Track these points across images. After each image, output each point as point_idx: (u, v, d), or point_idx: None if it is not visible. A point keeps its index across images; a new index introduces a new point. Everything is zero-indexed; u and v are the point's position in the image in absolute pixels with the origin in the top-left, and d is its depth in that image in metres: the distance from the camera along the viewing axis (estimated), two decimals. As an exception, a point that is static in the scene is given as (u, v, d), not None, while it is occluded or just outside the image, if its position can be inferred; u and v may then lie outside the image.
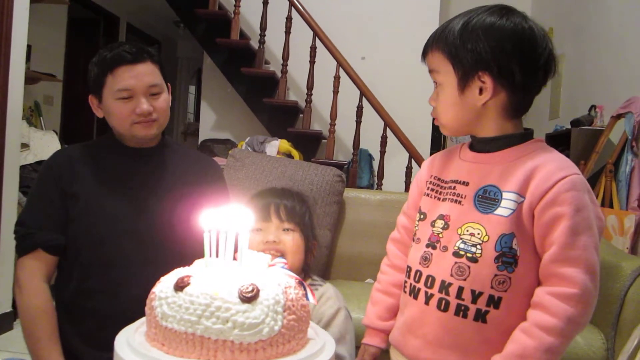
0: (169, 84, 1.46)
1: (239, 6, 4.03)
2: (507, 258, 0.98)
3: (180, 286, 0.74)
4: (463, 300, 1.00)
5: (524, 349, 0.94)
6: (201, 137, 4.78)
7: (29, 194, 1.42)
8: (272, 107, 4.09)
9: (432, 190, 1.13)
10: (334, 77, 3.86)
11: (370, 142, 4.13)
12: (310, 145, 4.12)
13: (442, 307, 1.02)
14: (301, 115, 4.13)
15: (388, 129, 3.80)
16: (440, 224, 1.07)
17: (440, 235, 1.06)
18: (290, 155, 3.86)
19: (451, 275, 1.01)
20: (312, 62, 3.94)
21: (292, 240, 1.21)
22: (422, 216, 1.12)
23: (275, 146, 3.83)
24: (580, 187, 0.97)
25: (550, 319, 0.93)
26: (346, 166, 4.00)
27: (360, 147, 4.08)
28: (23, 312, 1.33)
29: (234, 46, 4.08)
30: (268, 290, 0.73)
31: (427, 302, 1.04)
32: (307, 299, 0.80)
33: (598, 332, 1.85)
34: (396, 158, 4.15)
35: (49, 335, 1.31)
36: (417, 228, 1.13)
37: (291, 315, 0.74)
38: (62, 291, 1.40)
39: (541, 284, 0.99)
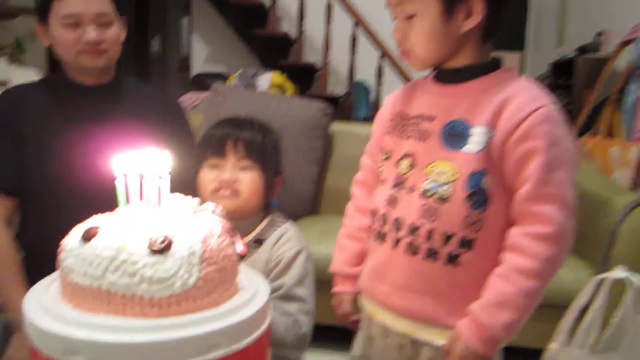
0: (125, 18, 1.36)
1: None
2: (478, 197, 0.92)
3: (86, 237, 0.67)
4: (433, 243, 0.94)
5: (502, 295, 0.89)
6: (194, 71, 4.64)
7: None
8: (264, 38, 3.93)
9: (396, 127, 1.05)
10: (327, 6, 3.67)
11: (366, 74, 3.97)
12: (304, 78, 3.97)
13: (411, 251, 0.96)
14: (294, 47, 3.97)
15: (384, 60, 3.64)
16: (405, 163, 0.99)
17: (406, 176, 0.99)
18: (283, 89, 3.74)
19: (419, 217, 0.95)
20: (303, -11, 3.74)
21: (249, 178, 1.11)
22: (386, 156, 1.05)
23: (268, 79, 3.69)
24: (555, 118, 0.90)
25: (527, 262, 0.88)
26: (342, 99, 3.88)
27: (357, 79, 3.95)
28: None
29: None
30: (183, 240, 0.67)
31: (394, 247, 0.98)
32: (236, 248, 0.74)
33: (587, 266, 1.81)
34: (393, 90, 4.00)
35: (11, 280, 1.27)
36: (381, 169, 1.06)
37: (210, 266, 0.68)
38: (22, 238, 1.35)
39: (515, 223, 0.92)
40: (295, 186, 2.24)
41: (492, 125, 0.91)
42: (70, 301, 0.67)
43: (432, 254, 0.95)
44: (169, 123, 1.42)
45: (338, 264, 1.14)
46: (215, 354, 0.64)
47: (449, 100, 0.97)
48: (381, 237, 1.01)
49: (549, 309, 1.13)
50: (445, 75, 1.00)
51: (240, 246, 0.74)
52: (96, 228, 0.68)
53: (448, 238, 0.93)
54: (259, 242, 1.14)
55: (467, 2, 0.91)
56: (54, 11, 1.25)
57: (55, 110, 1.32)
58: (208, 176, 1.12)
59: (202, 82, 4.40)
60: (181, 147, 1.41)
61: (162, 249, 0.65)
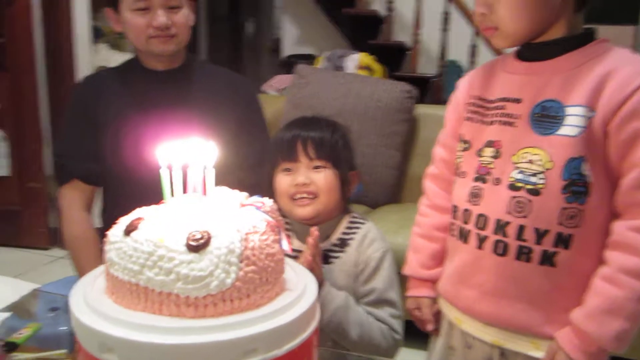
0: (193, 1, 1.35)
1: None
2: (577, 187, 0.82)
3: (128, 230, 0.66)
4: (525, 241, 0.85)
5: (612, 301, 0.78)
6: (284, 53, 4.65)
7: (63, 124, 1.41)
8: (352, 18, 3.84)
9: (475, 112, 0.94)
10: (418, -19, 3.52)
11: (459, 53, 3.77)
12: (393, 58, 3.84)
13: (499, 251, 0.87)
14: (384, 25, 3.85)
15: (478, 37, 3.43)
16: (489, 152, 0.90)
17: (491, 166, 0.89)
18: (371, 69, 3.65)
19: (508, 212, 0.85)
20: (394, -34, 3.59)
21: (324, 179, 1.07)
22: (465, 145, 0.95)
23: (355, 60, 3.61)
24: None
25: (637, 261, 0.77)
26: (432, 79, 3.72)
27: (449, 58, 3.75)
28: (66, 241, 1.36)
29: (310, -47, 3.82)
30: (222, 237, 0.63)
31: (480, 246, 0.89)
32: (282, 246, 0.69)
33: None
34: (489, 69, 3.78)
35: (92, 262, 1.32)
36: (460, 160, 0.96)
37: (250, 266, 0.63)
38: (103, 219, 1.41)
39: (619, 216, 0.81)
40: (376, 172, 2.17)
41: (591, 104, 0.80)
42: (111, 295, 0.66)
43: (524, 254, 0.85)
44: (240, 106, 1.41)
45: (413, 267, 1.07)
46: (252, 360, 0.60)
47: (538, 78, 0.86)
48: (464, 235, 0.92)
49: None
50: (530, 51, 0.89)
51: (285, 244, 0.70)
52: (139, 220, 0.66)
53: (542, 235, 0.83)
54: (343, 243, 1.11)
55: None
56: None
57: (128, 97, 1.35)
58: (284, 182, 1.09)
59: (292, 64, 4.41)
60: (253, 130, 1.40)
61: (200, 245, 0.62)
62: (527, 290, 0.86)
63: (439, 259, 1.02)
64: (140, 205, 1.17)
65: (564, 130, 0.82)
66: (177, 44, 1.31)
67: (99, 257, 1.32)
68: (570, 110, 0.82)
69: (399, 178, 2.23)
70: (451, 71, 3.94)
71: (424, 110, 2.33)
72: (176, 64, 1.36)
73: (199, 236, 0.62)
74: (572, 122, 0.81)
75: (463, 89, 1.00)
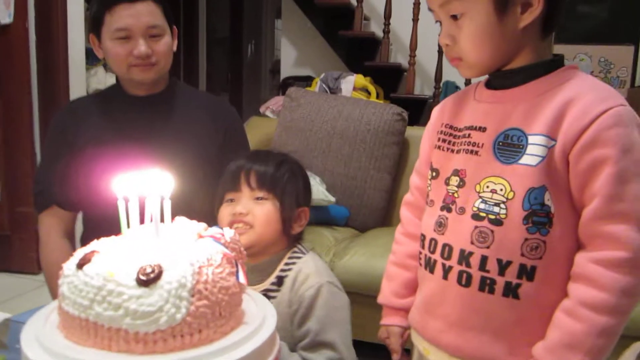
0: (175, 27, 1.36)
1: None
2: (538, 217, 0.80)
3: (81, 263, 0.65)
4: (488, 272, 0.83)
5: (571, 335, 0.77)
6: (283, 75, 4.69)
7: (42, 151, 1.41)
8: (349, 40, 3.87)
9: (444, 141, 0.94)
10: (413, 4, 3.54)
11: (455, 74, 3.78)
12: (390, 79, 3.86)
13: (463, 282, 0.85)
14: (381, 47, 3.87)
15: (474, 58, 3.44)
16: (455, 181, 0.89)
17: (456, 195, 0.88)
18: (367, 91, 3.66)
19: (471, 242, 0.84)
20: (389, -12, 3.63)
21: (262, 210, 1.05)
22: (434, 173, 0.94)
23: (351, 82, 3.63)
24: (627, 121, 0.76)
25: (598, 294, 0.75)
26: (429, 100, 3.73)
27: (447, 79, 3.76)
28: (43, 268, 1.35)
29: (307, -23, 3.86)
30: (174, 270, 0.62)
31: (445, 276, 0.88)
32: (238, 278, 0.68)
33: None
34: (485, 90, 3.78)
35: None
36: (429, 188, 0.95)
37: (202, 300, 0.62)
38: (83, 245, 1.40)
39: (582, 247, 0.80)
40: (366, 195, 2.16)
41: (552, 133, 0.79)
42: (63, 330, 0.65)
43: (487, 285, 0.83)
44: (222, 130, 1.40)
45: (386, 295, 1.05)
46: (201, 398, 0.59)
47: (503, 107, 0.85)
48: (430, 265, 0.91)
49: (629, 340, 0.98)
50: (497, 79, 0.88)
51: (242, 277, 0.68)
52: (92, 254, 0.65)
53: (505, 266, 0.82)
54: (280, 281, 1.06)
55: None
56: (106, 24, 1.27)
57: (108, 123, 1.35)
58: (225, 211, 1.08)
59: (290, 85, 4.43)
60: (234, 154, 1.39)
61: (151, 279, 0.61)
62: (491, 323, 0.84)
63: (412, 287, 1.01)
64: (117, 227, 1.16)
65: (525, 160, 0.80)
66: (158, 71, 1.32)
67: None
68: (532, 139, 0.80)
69: (388, 201, 2.21)
70: (450, 91, 3.96)
71: (415, 132, 2.32)
72: (158, 90, 1.37)
73: (149, 270, 0.61)
74: (533, 151, 0.80)
75: (435, 117, 1.00)
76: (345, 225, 2.17)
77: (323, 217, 2.09)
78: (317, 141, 2.24)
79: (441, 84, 3.62)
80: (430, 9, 0.88)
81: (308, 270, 1.05)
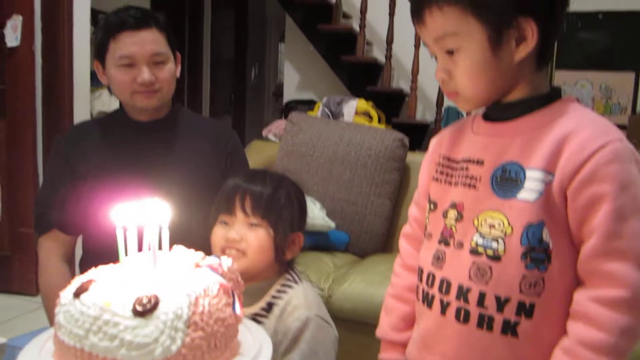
0: (178, 53, 1.37)
1: (314, -41, 3.84)
2: (537, 253, 0.79)
3: (78, 292, 0.65)
4: (486, 308, 0.81)
5: None
6: (285, 98, 4.73)
7: (44, 174, 1.42)
8: (351, 65, 3.91)
9: (442, 173, 0.93)
10: (416, 30, 3.58)
11: (457, 99, 3.81)
12: (392, 104, 3.89)
13: (461, 318, 0.83)
14: (383, 72, 3.90)
15: (475, 85, 3.47)
16: (452, 214, 0.88)
17: (454, 229, 0.87)
18: (369, 116, 3.68)
19: (469, 278, 0.83)
20: (391, 14, 3.67)
21: (256, 238, 1.03)
22: (432, 206, 0.93)
23: (353, 106, 3.66)
24: (625, 156, 0.76)
25: (597, 334, 0.74)
26: (431, 126, 3.75)
27: (448, 105, 3.79)
28: (41, 292, 1.35)
29: (310, 2, 3.91)
30: (170, 301, 0.62)
31: (443, 312, 0.86)
32: (234, 309, 0.68)
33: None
34: (486, 115, 3.80)
35: None
36: (427, 221, 0.94)
37: (197, 331, 0.62)
38: (81, 271, 1.40)
39: (582, 284, 0.78)
40: (366, 221, 2.16)
41: (550, 168, 0.78)
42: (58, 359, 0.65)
43: (486, 322, 0.81)
44: (224, 156, 1.41)
45: (384, 329, 1.03)
46: None
47: (500, 140, 0.85)
48: (428, 300, 0.89)
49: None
50: (494, 112, 0.87)
51: (238, 308, 0.69)
52: (89, 283, 0.66)
53: (503, 303, 0.80)
54: (269, 308, 1.05)
55: (517, 25, 0.79)
56: (110, 51, 1.28)
57: (111, 148, 1.35)
58: (218, 234, 1.06)
59: (292, 109, 4.47)
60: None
61: (147, 310, 0.61)
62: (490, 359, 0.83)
63: (411, 321, 0.99)
64: (116, 255, 1.15)
65: (523, 195, 0.79)
66: (161, 98, 1.32)
67: None
68: (530, 174, 0.80)
69: (388, 227, 2.21)
70: (452, 117, 3.98)
71: (416, 158, 2.32)
72: (161, 115, 1.38)
73: (146, 301, 0.62)
74: (531, 186, 0.79)
75: (433, 148, 0.99)
76: (345, 251, 2.16)
77: (323, 243, 2.09)
78: (318, 166, 2.25)
79: (443, 110, 3.65)
80: (424, 44, 0.88)
81: (297, 301, 1.04)
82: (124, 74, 1.28)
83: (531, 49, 0.80)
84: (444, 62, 0.85)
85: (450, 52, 0.83)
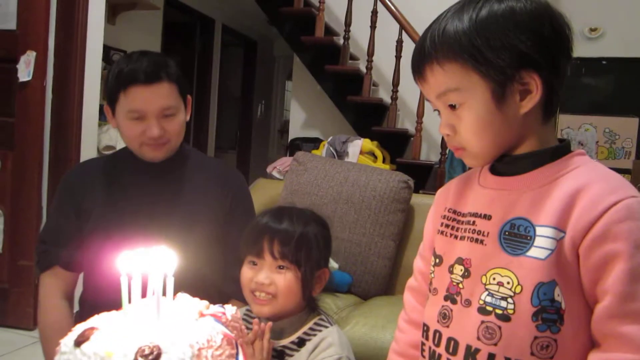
0: (189, 96, 1.38)
1: (324, 2, 3.92)
2: (548, 314, 0.76)
3: (79, 341, 0.64)
4: None
5: None
6: (291, 136, 4.76)
7: (49, 211, 1.42)
8: (357, 104, 3.95)
9: (447, 226, 0.91)
10: (421, 72, 3.63)
11: (462, 141, 3.83)
12: (396, 144, 3.91)
13: None
14: (388, 112, 3.94)
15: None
16: (459, 270, 0.85)
17: (461, 286, 0.84)
18: (374, 155, 3.70)
19: (478, 338, 0.80)
20: (398, 57, 3.74)
21: (284, 281, 1.06)
22: (437, 260, 0.91)
23: (358, 146, 3.68)
24: (638, 214, 0.73)
25: None
26: (435, 166, 3.76)
27: (452, 145, 3.82)
28: (40, 330, 1.34)
29: (318, 43, 3.99)
30: (173, 353, 0.61)
31: None
32: (237, 360, 0.67)
33: None
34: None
35: None
36: (432, 275, 0.92)
37: (199, 384, 0.61)
38: (80, 306, 1.38)
39: (596, 345, 0.76)
40: (369, 262, 2.14)
41: (561, 225, 0.76)
42: (56, 410, 0.64)
43: None
44: (229, 197, 1.41)
45: None
46: None
47: (508, 194, 0.83)
48: (434, 359, 0.86)
49: None
50: (502, 165, 0.86)
51: (241, 359, 0.67)
52: (91, 331, 0.65)
53: None
54: (301, 343, 1.08)
55: (521, 79, 0.78)
56: (121, 102, 1.28)
57: (117, 187, 1.36)
58: (247, 275, 1.09)
59: (297, 146, 4.49)
60: (241, 222, 1.39)
61: (148, 362, 0.60)
62: None
63: None
64: (115, 296, 1.14)
65: (533, 252, 0.77)
66: (168, 149, 1.32)
67: None
68: (540, 231, 0.77)
69: (392, 269, 2.19)
70: (456, 158, 4.00)
71: (420, 200, 2.32)
72: (169, 155, 1.37)
73: (148, 351, 0.60)
74: (542, 243, 0.77)
75: (439, 200, 0.97)
76: (348, 292, 2.14)
77: (326, 283, 2.07)
78: (322, 206, 2.25)
79: (447, 151, 3.66)
80: (427, 99, 0.87)
81: (332, 340, 1.07)
82: (134, 126, 1.27)
83: (536, 102, 0.79)
84: (447, 118, 0.84)
85: (453, 107, 0.82)
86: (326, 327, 1.10)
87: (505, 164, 0.85)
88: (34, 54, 2.48)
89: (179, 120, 1.32)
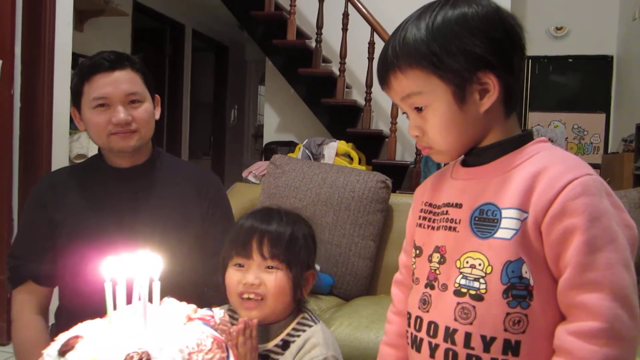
0: (157, 95, 1.36)
1: (295, 6, 3.92)
2: (518, 290, 0.80)
3: (63, 350, 0.62)
4: (473, 349, 0.81)
5: None
6: (265, 140, 4.75)
7: (19, 225, 1.38)
8: (331, 107, 3.96)
9: (424, 218, 0.96)
10: (394, 73, 3.66)
11: (436, 140, 3.87)
12: (372, 145, 3.94)
13: None
14: (363, 114, 3.96)
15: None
16: (436, 257, 0.90)
17: (438, 272, 0.88)
18: (350, 157, 3.71)
19: (455, 319, 0.83)
20: (370, 58, 3.76)
21: (274, 281, 1.03)
22: (417, 251, 0.95)
23: (334, 148, 3.69)
24: (594, 190, 0.77)
25: None
26: (411, 166, 3.79)
27: (427, 145, 3.86)
28: (14, 346, 1.30)
29: (291, 47, 3.99)
30: (162, 357, 0.60)
31: (432, 355, 0.86)
32: (228, 364, 0.66)
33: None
34: (465, 156, 3.86)
35: None
36: (414, 266, 0.96)
37: (191, 390, 0.59)
38: (56, 319, 1.35)
39: (564, 318, 0.79)
40: (350, 263, 2.14)
41: (523, 206, 0.80)
42: (41, 422, 0.61)
43: None
44: (206, 201, 1.39)
45: None
46: None
47: (477, 183, 0.88)
48: (417, 344, 0.89)
49: None
50: (471, 157, 0.91)
51: (232, 362, 0.66)
52: (76, 340, 0.63)
53: (489, 342, 0.80)
54: (285, 345, 1.05)
55: (478, 80, 0.83)
56: (85, 94, 1.26)
57: (89, 196, 1.32)
58: (234, 278, 1.06)
59: (272, 150, 4.48)
60: (218, 226, 1.38)
61: (137, 368, 0.58)
62: None
63: None
64: (91, 305, 1.11)
65: (500, 233, 0.81)
66: (139, 139, 1.29)
67: None
68: (505, 213, 0.82)
69: (373, 269, 2.19)
70: (430, 158, 4.04)
71: (398, 199, 2.33)
72: (140, 161, 1.34)
73: (136, 358, 0.59)
74: (507, 224, 0.81)
75: (417, 196, 1.02)
76: (330, 294, 2.13)
77: (308, 286, 2.06)
78: (301, 208, 2.23)
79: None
80: (395, 102, 0.92)
81: (317, 340, 1.04)
82: (99, 115, 1.25)
83: (495, 99, 0.84)
84: (414, 120, 0.89)
85: (419, 109, 0.87)
86: (310, 325, 1.07)
87: (474, 156, 0.90)
88: (0, 62, 2.42)
89: (146, 108, 1.29)
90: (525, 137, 0.87)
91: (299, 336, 1.06)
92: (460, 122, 0.85)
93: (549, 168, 0.80)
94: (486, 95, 0.84)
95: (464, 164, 0.92)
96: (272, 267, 1.04)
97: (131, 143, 1.28)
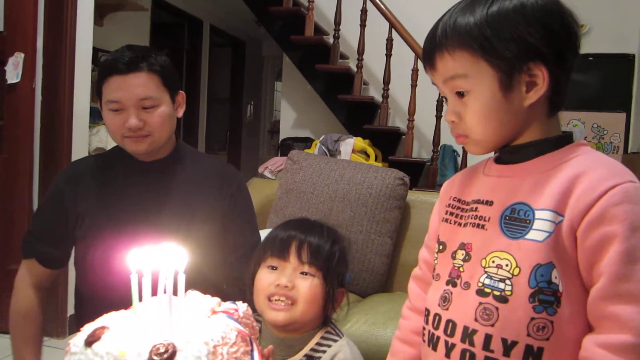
0: (181, 92, 1.36)
1: (313, 1, 3.91)
2: (545, 296, 0.76)
3: (89, 341, 0.62)
4: (492, 352, 0.79)
5: None
6: (282, 136, 4.75)
7: (38, 204, 1.42)
8: (348, 103, 3.95)
9: (452, 214, 0.93)
10: (412, 70, 3.64)
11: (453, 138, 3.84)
12: (388, 142, 3.91)
13: None
14: (380, 111, 3.94)
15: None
16: (461, 254, 0.87)
17: (461, 269, 0.85)
18: (366, 154, 3.70)
19: (475, 319, 0.81)
20: (388, 55, 3.73)
21: (308, 287, 1.00)
22: (441, 247, 0.92)
23: (350, 144, 3.68)
24: (636, 198, 0.74)
25: None
26: (427, 163, 3.76)
27: (444, 142, 3.83)
28: (10, 315, 1.36)
29: (308, 43, 3.98)
30: (188, 351, 0.60)
31: (447, 355, 0.84)
32: (252, 358, 0.66)
33: None
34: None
35: (26, 338, 1.34)
36: (436, 262, 0.93)
37: (216, 382, 0.60)
38: (78, 307, 1.38)
39: (592, 329, 0.76)
40: (367, 260, 2.14)
41: (559, 209, 0.77)
42: (68, 411, 0.62)
43: None
44: (228, 196, 1.39)
45: None
46: None
47: (510, 181, 0.84)
48: (433, 342, 0.87)
49: None
50: (506, 154, 0.87)
51: (257, 356, 0.66)
52: (102, 330, 0.63)
53: (510, 346, 0.77)
54: (310, 359, 1.03)
55: (529, 70, 0.80)
56: (103, 94, 1.27)
57: (110, 188, 1.34)
58: (265, 279, 1.03)
59: (289, 146, 4.48)
60: (239, 221, 1.38)
61: (164, 359, 0.58)
62: None
63: None
64: (113, 296, 1.11)
65: (532, 235, 0.78)
66: (151, 143, 1.29)
67: (37, 337, 1.35)
68: (538, 214, 0.78)
69: (389, 266, 2.18)
70: (447, 155, 4.01)
71: (416, 196, 2.32)
72: (162, 155, 1.35)
73: (162, 350, 0.59)
74: (540, 226, 0.78)
75: (445, 191, 0.99)
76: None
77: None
78: (318, 204, 2.24)
79: (439, 148, 3.67)
80: (434, 83, 0.88)
81: (344, 356, 1.01)
82: (114, 118, 1.26)
83: (542, 94, 0.81)
84: (454, 105, 0.85)
85: (460, 94, 0.83)
86: (335, 340, 1.04)
87: (509, 153, 0.87)
88: (22, 55, 2.44)
89: (160, 112, 1.27)
90: (564, 139, 0.84)
91: (324, 351, 1.02)
92: (501, 112, 0.81)
93: (590, 172, 0.77)
94: (533, 88, 0.80)
95: (498, 161, 0.89)
96: (307, 274, 1.02)
97: (142, 147, 1.28)
